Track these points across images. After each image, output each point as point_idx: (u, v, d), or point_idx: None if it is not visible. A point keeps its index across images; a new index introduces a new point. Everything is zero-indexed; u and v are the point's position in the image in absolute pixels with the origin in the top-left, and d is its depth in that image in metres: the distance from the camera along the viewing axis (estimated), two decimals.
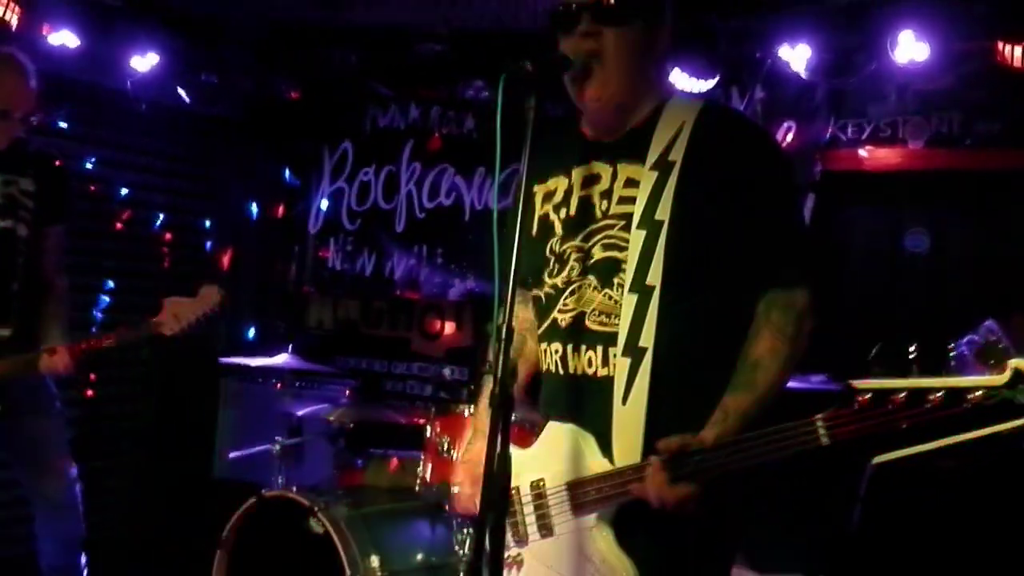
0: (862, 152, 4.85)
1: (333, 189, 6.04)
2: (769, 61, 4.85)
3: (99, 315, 5.47)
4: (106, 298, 5.49)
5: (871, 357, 1.79)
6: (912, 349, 1.75)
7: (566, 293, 2.22)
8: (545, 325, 2.28)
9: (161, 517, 5.59)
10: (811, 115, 4.88)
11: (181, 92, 5.52)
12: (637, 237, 2.11)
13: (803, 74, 4.76)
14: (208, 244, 5.97)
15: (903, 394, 1.73)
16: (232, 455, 4.82)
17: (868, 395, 1.75)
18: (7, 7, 4.56)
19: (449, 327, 5.74)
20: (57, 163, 3.97)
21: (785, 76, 4.84)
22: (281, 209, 6.20)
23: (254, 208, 6.17)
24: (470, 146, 5.70)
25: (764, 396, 2.02)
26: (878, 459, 1.79)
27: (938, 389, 1.70)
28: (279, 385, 4.83)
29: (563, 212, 2.26)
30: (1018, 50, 4.39)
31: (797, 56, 4.71)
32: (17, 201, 3.66)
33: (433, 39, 5.54)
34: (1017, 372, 1.64)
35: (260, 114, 6.06)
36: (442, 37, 5.52)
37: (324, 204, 6.06)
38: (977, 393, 1.66)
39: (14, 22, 4.60)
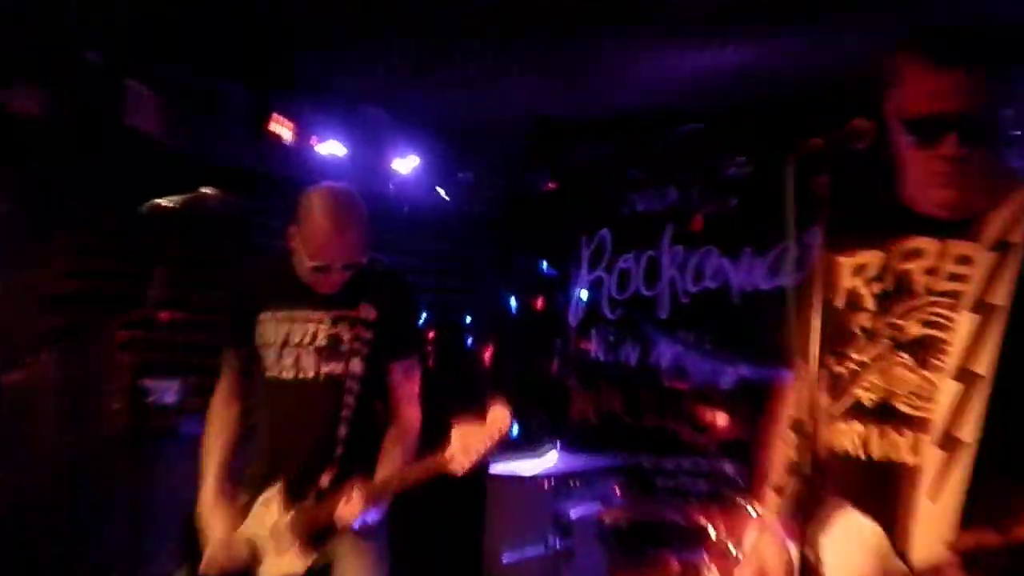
0: None
1: (592, 278, 5.45)
2: None
3: None
4: None
5: None
6: None
7: (873, 370, 2.02)
8: (844, 402, 2.07)
9: None
10: None
11: (440, 191, 5.17)
12: (966, 319, 1.88)
13: None
14: (469, 340, 5.48)
15: None
16: (506, 559, 4.30)
17: None
18: (280, 122, 4.26)
19: (721, 418, 5.22)
20: (403, 286, 3.25)
21: None
22: (540, 301, 5.61)
23: (513, 302, 5.68)
24: (734, 225, 4.92)
25: None
26: None
27: None
28: (547, 484, 4.19)
29: (877, 287, 2.01)
30: None
31: None
32: (344, 340, 3.09)
33: (689, 118, 4.96)
34: None
35: (515, 207, 5.56)
36: (698, 115, 4.94)
37: (584, 294, 5.45)
38: None
39: (288, 136, 4.28)
